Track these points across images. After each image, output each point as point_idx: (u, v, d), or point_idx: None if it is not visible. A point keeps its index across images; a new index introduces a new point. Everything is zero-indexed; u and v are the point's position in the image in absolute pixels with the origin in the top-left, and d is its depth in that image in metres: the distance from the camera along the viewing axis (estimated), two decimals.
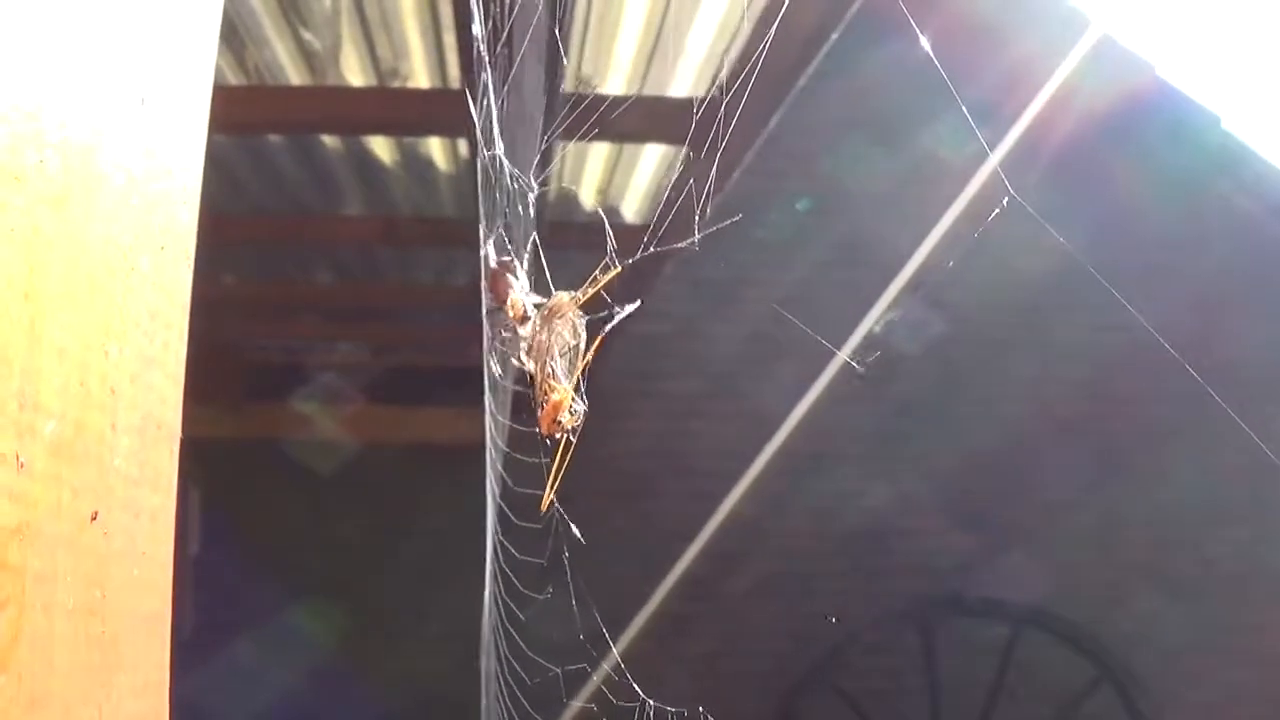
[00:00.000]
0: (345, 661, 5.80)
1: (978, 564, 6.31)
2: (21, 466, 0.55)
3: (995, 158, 4.76)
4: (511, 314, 1.16)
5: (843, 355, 5.36)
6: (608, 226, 1.15)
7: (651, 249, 1.19)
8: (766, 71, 2.60)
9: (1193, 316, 5.53)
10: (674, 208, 1.23)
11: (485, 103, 1.34)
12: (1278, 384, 6.27)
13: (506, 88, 1.47)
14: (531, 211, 1.37)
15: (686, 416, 6.36)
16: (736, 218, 1.45)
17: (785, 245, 6.14)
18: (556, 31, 2.05)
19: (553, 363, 1.16)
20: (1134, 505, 6.47)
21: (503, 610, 2.63)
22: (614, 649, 2.40)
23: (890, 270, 5.76)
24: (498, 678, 2.56)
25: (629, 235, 1.22)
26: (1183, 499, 6.44)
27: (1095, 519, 6.43)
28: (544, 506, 1.26)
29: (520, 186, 1.33)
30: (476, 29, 1.36)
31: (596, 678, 2.23)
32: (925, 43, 1.17)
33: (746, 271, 6.08)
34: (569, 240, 3.68)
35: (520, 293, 1.17)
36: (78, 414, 0.61)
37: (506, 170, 1.34)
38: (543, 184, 1.36)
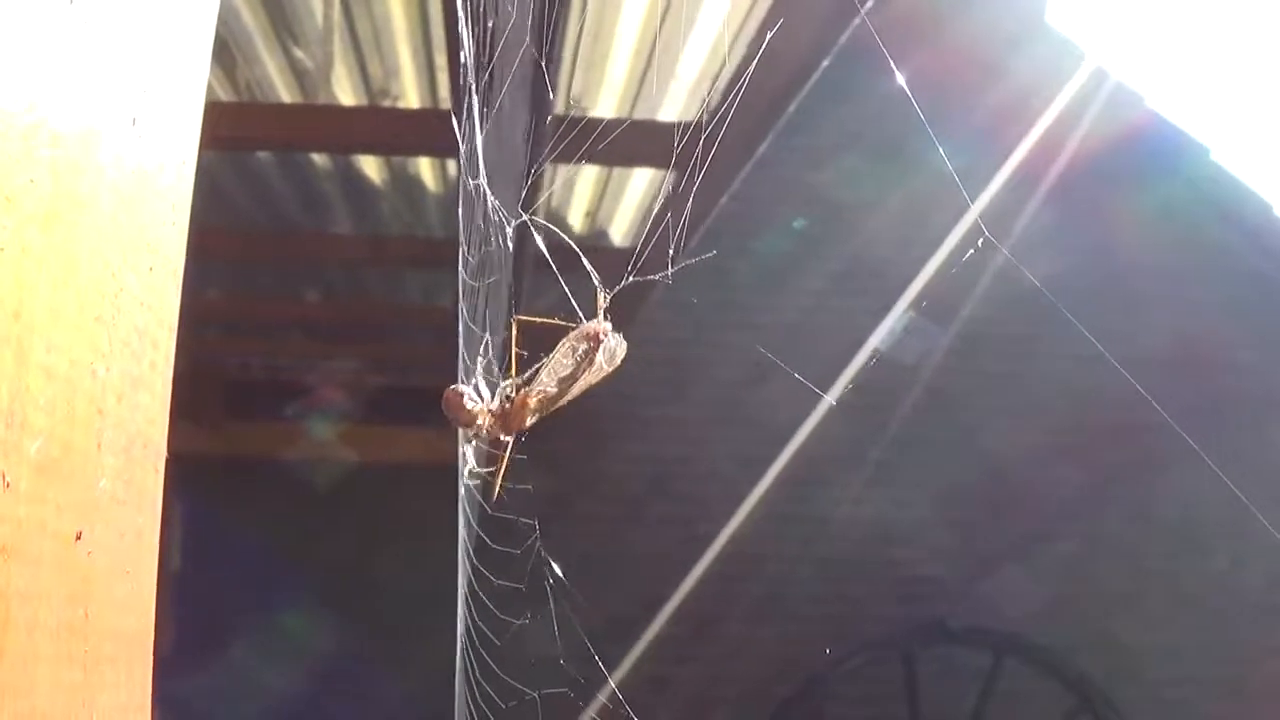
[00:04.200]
0: (323, 681, 5.76)
1: (961, 592, 6.31)
2: (7, 486, 0.55)
3: (986, 196, 4.79)
4: (480, 430, 1.16)
5: (828, 398, 5.37)
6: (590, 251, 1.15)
7: (630, 278, 1.19)
8: (755, 97, 2.61)
9: (1177, 346, 5.56)
10: (655, 235, 1.24)
11: (470, 131, 1.34)
12: (1258, 416, 6.31)
13: (494, 113, 1.47)
14: (510, 245, 1.36)
15: (675, 442, 6.35)
16: (711, 253, 1.46)
17: (777, 272, 6.15)
18: (545, 54, 2.06)
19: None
20: (1115, 535, 6.49)
21: (475, 634, 2.60)
22: (600, 672, 2.39)
23: (882, 299, 5.77)
24: (468, 702, 2.54)
25: (616, 259, 1.22)
26: (1163, 530, 6.46)
27: (1077, 549, 6.45)
28: (495, 495, 1.26)
29: (501, 219, 1.33)
30: (466, 57, 1.36)
31: (580, 701, 2.21)
32: (901, 80, 1.19)
33: (738, 296, 6.10)
34: (555, 265, 3.68)
35: (476, 404, 1.16)
36: (64, 433, 0.61)
37: (489, 201, 1.33)
38: (530, 210, 1.36)
